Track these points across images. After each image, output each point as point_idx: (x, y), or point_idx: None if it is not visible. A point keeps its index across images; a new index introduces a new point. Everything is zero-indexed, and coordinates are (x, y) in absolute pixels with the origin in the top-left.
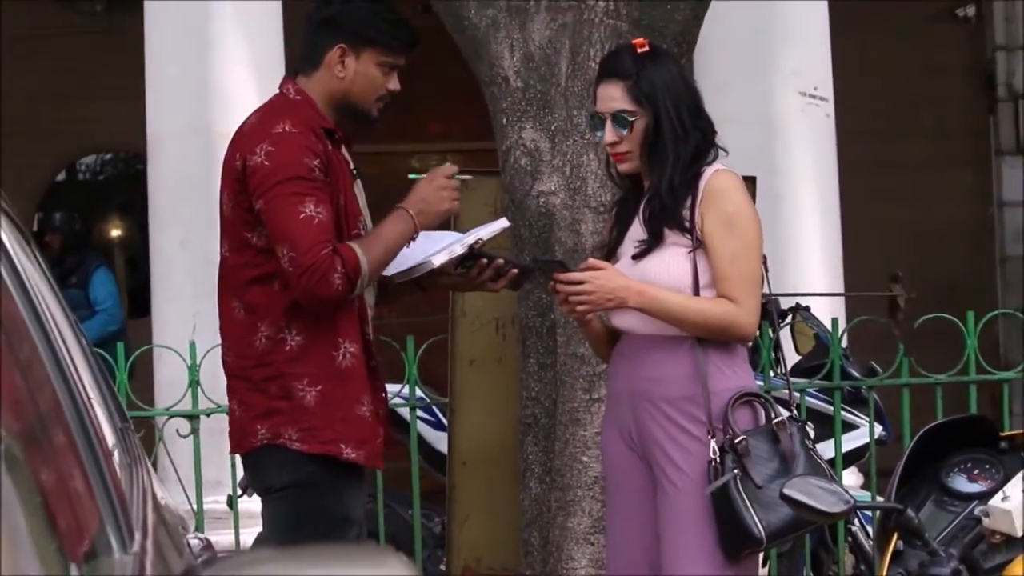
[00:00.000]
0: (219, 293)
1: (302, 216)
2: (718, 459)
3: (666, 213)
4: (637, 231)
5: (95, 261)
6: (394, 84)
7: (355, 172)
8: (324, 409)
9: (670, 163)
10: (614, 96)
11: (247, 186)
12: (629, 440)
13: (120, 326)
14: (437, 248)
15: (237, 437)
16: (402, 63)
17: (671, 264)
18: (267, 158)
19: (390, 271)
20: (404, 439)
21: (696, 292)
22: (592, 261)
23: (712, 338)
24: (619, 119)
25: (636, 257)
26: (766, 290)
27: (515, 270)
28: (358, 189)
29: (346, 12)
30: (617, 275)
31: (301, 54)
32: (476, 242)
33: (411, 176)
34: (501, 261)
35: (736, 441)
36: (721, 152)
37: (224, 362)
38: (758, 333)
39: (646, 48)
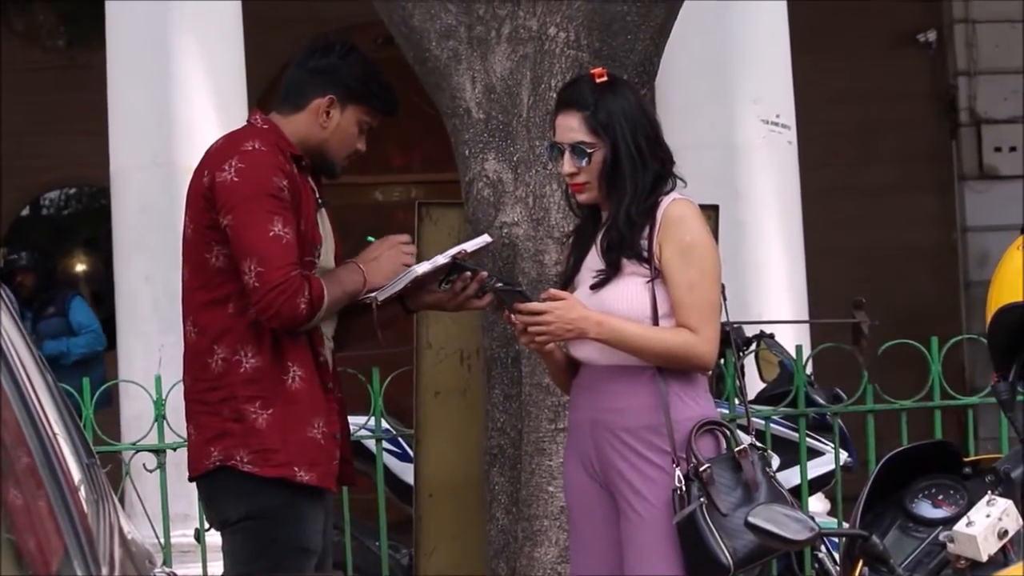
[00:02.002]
0: (181, 316)
1: (271, 234)
2: (683, 488)
3: (624, 243)
4: (594, 260)
5: (70, 291)
6: (362, 145)
7: (320, 202)
8: (276, 432)
9: (628, 193)
10: (572, 127)
11: (214, 202)
12: (591, 470)
13: (104, 346)
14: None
15: (193, 460)
16: (375, 125)
17: (630, 294)
18: (237, 174)
19: (376, 292)
20: (370, 471)
21: (655, 321)
22: (552, 292)
23: (672, 367)
24: (578, 150)
25: (595, 287)
26: (725, 318)
27: (500, 284)
28: (322, 218)
29: (344, 66)
30: (577, 305)
31: (283, 93)
32: (459, 253)
33: (369, 239)
34: (485, 274)
35: (701, 470)
36: (679, 182)
37: (183, 385)
38: (722, 361)
39: (605, 78)
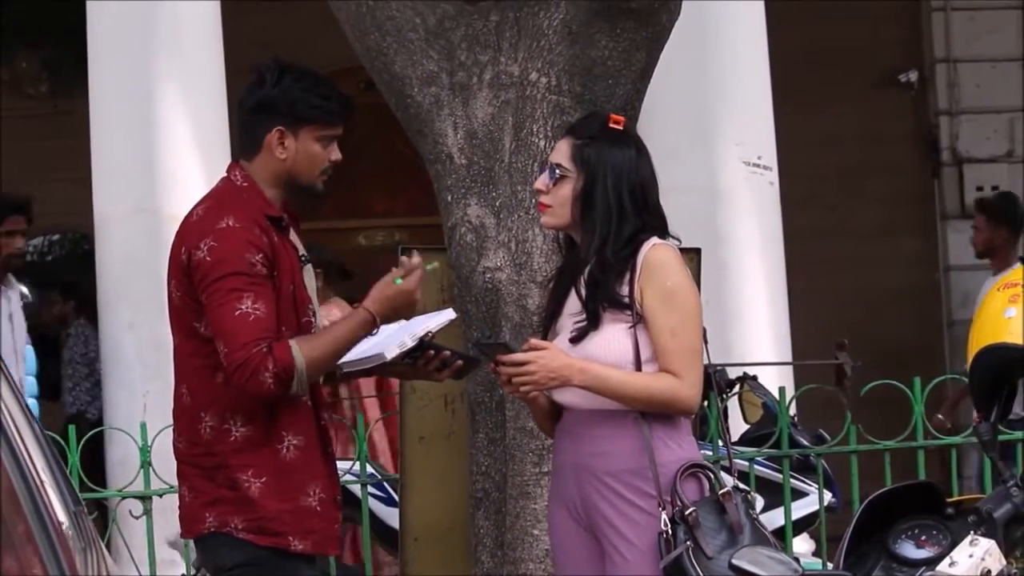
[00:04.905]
0: (174, 379)
1: (238, 313)
2: (669, 531)
3: (599, 292)
4: (574, 304)
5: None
6: (336, 155)
7: (303, 258)
8: (269, 501)
9: (597, 236)
10: (562, 149)
11: (192, 279)
12: (575, 513)
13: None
14: (386, 339)
15: (187, 522)
16: (340, 132)
17: (613, 341)
18: (209, 253)
19: (341, 361)
20: (356, 515)
21: (638, 367)
22: (534, 341)
23: (656, 411)
24: (552, 169)
25: (575, 339)
26: (707, 361)
27: (460, 361)
28: (307, 275)
29: (278, 95)
30: (560, 354)
31: (240, 140)
32: (426, 335)
33: (396, 281)
34: (448, 353)
35: (686, 513)
36: (672, 240)
37: (175, 448)
38: (706, 403)
39: (618, 126)
